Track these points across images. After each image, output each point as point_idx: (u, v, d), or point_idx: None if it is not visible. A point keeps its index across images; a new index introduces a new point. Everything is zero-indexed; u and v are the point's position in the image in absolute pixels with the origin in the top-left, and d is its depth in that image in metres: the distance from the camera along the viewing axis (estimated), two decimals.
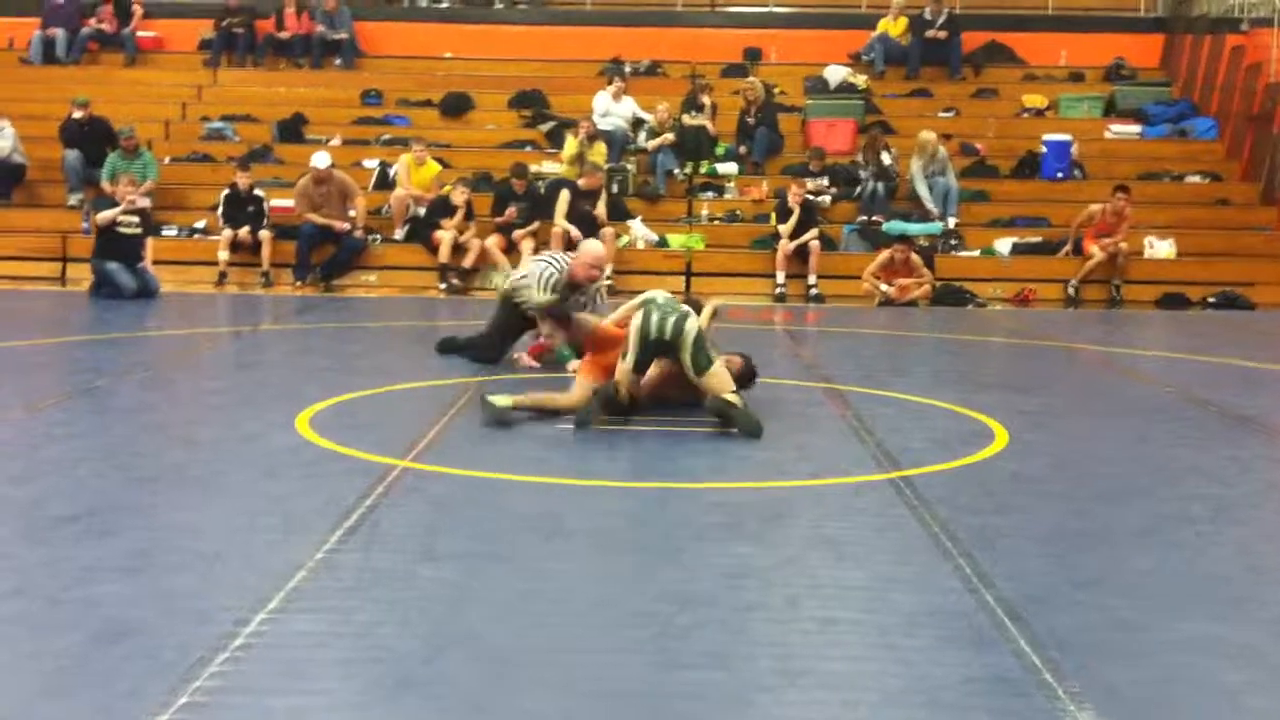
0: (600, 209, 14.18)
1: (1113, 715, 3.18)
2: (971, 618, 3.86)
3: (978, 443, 6.42)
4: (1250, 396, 8.27)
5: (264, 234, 14.00)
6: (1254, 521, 5.24)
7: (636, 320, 6.73)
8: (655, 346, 6.69)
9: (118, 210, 12.73)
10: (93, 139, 15.23)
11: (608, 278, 13.87)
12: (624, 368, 6.72)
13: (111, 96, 16.81)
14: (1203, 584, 4.33)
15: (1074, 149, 16.21)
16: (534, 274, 8.24)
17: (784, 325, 11.84)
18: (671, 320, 6.63)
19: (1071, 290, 14.33)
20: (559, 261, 8.30)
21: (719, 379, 6.62)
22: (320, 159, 14.21)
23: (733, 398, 6.54)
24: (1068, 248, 14.66)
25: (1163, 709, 3.29)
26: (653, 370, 6.84)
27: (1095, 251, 14.30)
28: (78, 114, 15.38)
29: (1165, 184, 16.15)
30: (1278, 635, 3.84)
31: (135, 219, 12.80)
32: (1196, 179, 16.28)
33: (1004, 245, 14.90)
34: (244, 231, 14.00)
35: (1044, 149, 16.16)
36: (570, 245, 13.99)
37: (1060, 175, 16.09)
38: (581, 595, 4.07)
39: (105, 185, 14.19)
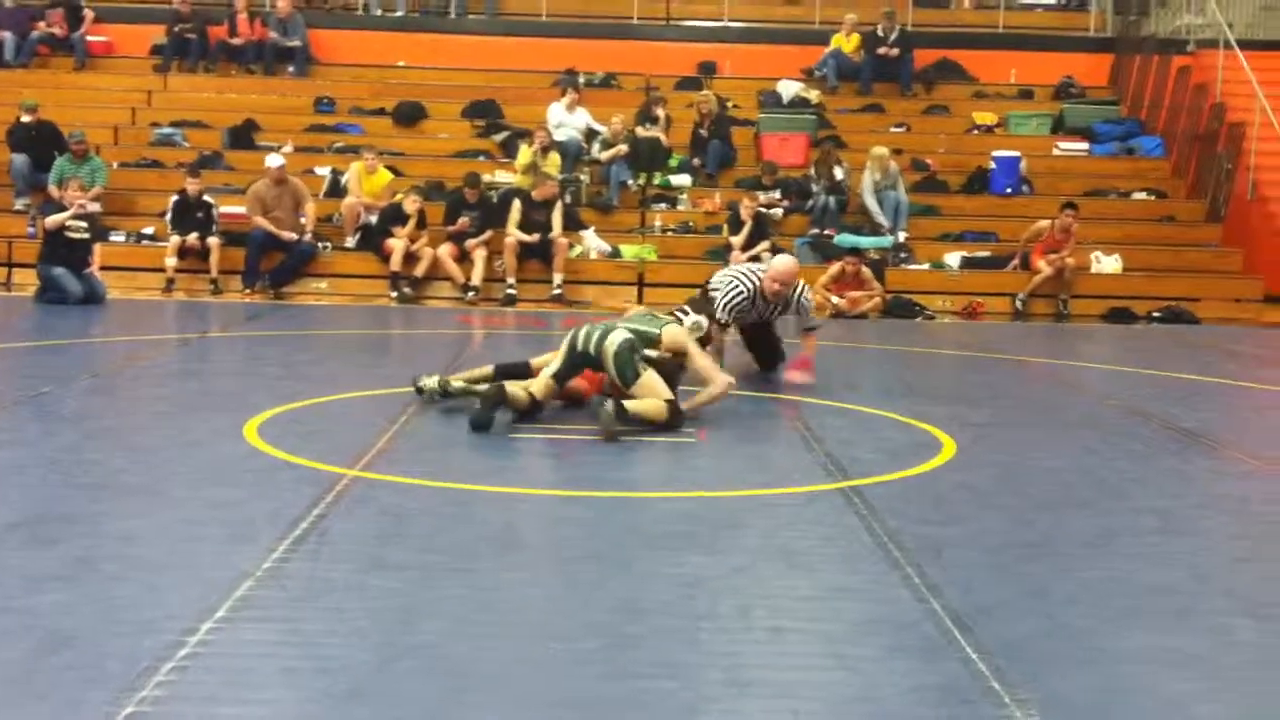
0: (556, 219, 14.17)
1: None
2: (919, 627, 3.88)
3: (926, 454, 6.46)
4: (1194, 410, 8.39)
5: (213, 241, 13.89)
6: (1198, 533, 5.31)
7: (569, 333, 6.98)
8: (580, 359, 6.90)
9: (66, 215, 12.60)
10: (41, 143, 15.05)
11: (558, 288, 13.94)
12: (545, 374, 6.95)
13: (60, 101, 16.64)
14: (1148, 594, 4.38)
15: (1023, 165, 16.41)
16: (722, 287, 8.38)
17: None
18: (596, 335, 6.86)
19: (1019, 304, 14.49)
20: (749, 277, 8.38)
21: (647, 388, 6.72)
22: (274, 159, 14.16)
23: (646, 405, 6.59)
24: (1015, 262, 14.82)
25: (1108, 716, 3.32)
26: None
27: (1043, 266, 14.46)
28: (26, 118, 15.20)
29: (1112, 201, 16.37)
30: (1222, 644, 3.89)
31: (83, 224, 12.68)
32: (1143, 196, 16.51)
33: (953, 259, 15.04)
34: (193, 238, 13.88)
35: (993, 165, 16.34)
36: (523, 254, 14.04)
37: (1009, 191, 16.27)
38: (533, 605, 4.06)
39: (53, 190, 14.03)
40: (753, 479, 5.93)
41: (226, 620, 3.72)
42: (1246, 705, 3.45)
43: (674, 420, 6.68)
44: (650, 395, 6.68)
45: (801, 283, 8.59)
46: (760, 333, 8.97)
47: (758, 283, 8.34)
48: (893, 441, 6.90)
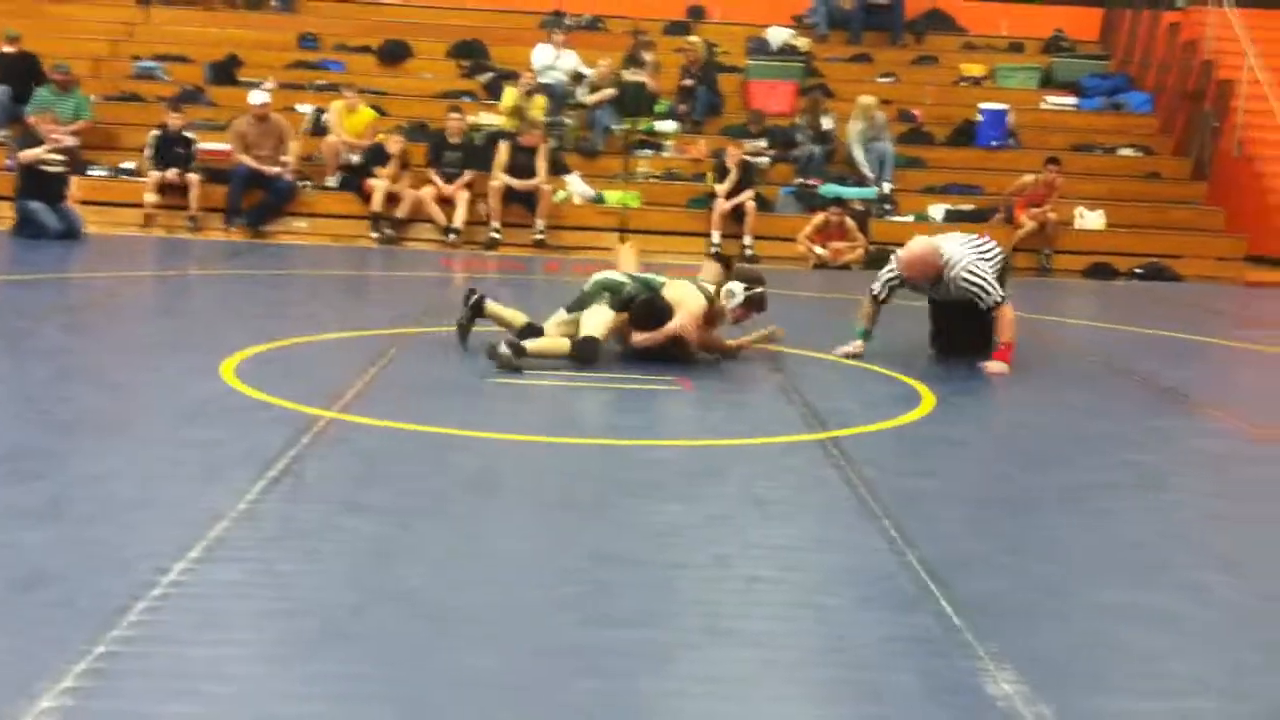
0: (541, 166, 14.06)
1: (1032, 677, 3.22)
2: (894, 579, 3.89)
3: (905, 406, 6.47)
4: (1173, 367, 8.41)
5: (193, 177, 13.75)
6: (1174, 489, 5.33)
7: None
8: (579, 296, 7.13)
9: (42, 149, 12.45)
10: (21, 74, 14.85)
11: (540, 233, 13.87)
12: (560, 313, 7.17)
13: (39, 31, 16.38)
14: (1124, 550, 4.40)
15: (1010, 118, 16.34)
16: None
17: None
18: (595, 275, 7.18)
19: None
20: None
21: (583, 320, 6.91)
22: (258, 96, 14.00)
23: (545, 343, 6.81)
24: (999, 216, 14.80)
25: (1082, 671, 3.34)
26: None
27: (1025, 221, 14.45)
28: (7, 48, 14.99)
29: (1098, 156, 16.33)
30: (1195, 601, 3.91)
31: (60, 157, 12.54)
32: (1129, 152, 16.47)
33: (937, 211, 15.00)
34: (173, 173, 13.74)
35: (980, 117, 16.27)
36: (507, 198, 13.93)
37: (995, 144, 16.22)
38: (511, 551, 4.05)
39: (31, 120, 13.85)
40: (733, 428, 5.93)
41: (200, 560, 3.70)
42: (1219, 661, 3.47)
43: (582, 354, 6.75)
44: (586, 326, 6.86)
45: (960, 261, 7.61)
46: (944, 311, 8.26)
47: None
48: (872, 393, 6.91)
